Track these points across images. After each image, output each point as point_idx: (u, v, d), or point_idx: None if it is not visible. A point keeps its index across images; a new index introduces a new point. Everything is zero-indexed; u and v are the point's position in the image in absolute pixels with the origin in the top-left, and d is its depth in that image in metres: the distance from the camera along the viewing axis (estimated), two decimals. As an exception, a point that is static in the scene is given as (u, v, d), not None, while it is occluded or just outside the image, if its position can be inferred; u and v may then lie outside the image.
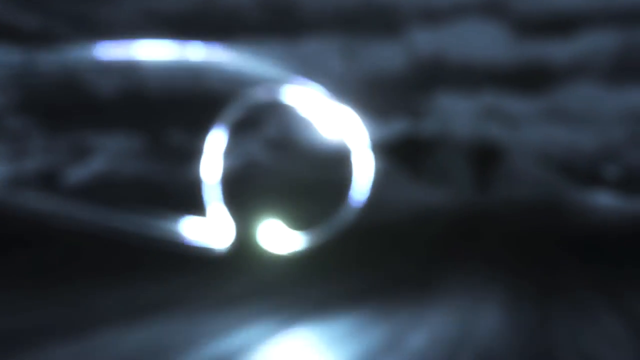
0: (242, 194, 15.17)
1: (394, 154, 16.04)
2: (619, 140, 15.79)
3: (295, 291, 9.20)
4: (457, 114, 15.98)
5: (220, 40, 16.14)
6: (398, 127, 15.96)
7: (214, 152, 15.90)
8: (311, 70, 15.80)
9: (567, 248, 15.01)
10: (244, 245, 14.26)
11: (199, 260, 12.90)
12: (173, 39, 16.09)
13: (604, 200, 15.83)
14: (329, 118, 15.33)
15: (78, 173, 16.62)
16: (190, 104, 16.01)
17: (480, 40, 15.76)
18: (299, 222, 14.61)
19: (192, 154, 16.26)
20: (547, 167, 16.37)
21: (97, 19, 17.24)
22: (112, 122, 16.45)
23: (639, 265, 11.36)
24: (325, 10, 16.14)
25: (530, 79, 15.99)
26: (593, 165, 16.15)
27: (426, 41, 15.80)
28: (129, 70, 16.28)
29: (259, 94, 15.78)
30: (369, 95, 15.61)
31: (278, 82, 15.87)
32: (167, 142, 16.46)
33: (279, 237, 14.41)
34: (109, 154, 16.45)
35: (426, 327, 6.83)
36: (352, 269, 11.54)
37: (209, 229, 15.08)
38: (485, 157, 16.08)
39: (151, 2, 17.01)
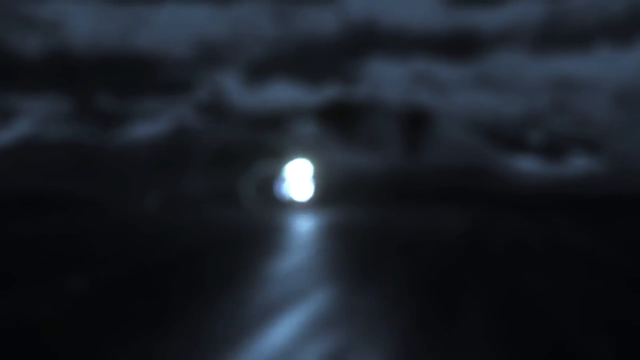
0: (173, 158, 15.05)
1: (326, 119, 16.17)
2: (543, 107, 16.26)
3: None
4: (388, 79, 16.18)
5: (151, 2, 15.87)
6: (330, 91, 16.09)
7: (145, 116, 15.70)
8: (243, 34, 15.73)
9: (489, 205, 15.62)
10: (175, 205, 14.23)
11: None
12: (101, -1, 15.73)
13: (528, 165, 16.33)
14: (261, 83, 15.31)
15: (2, 137, 16.18)
16: (119, 65, 15.74)
17: (412, 7, 15.96)
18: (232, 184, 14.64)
19: (121, 117, 16.01)
20: (474, 132, 16.76)
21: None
22: (38, 84, 16.05)
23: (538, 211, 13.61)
24: (257, -27, 16.10)
25: (459, 46, 16.29)
26: (518, 131, 16.61)
27: (358, 6, 15.91)
28: (55, 30, 15.86)
29: (190, 58, 15.63)
30: (301, 59, 15.66)
31: (209, 45, 15.74)
32: (96, 105, 16.17)
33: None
34: (34, 117, 16.05)
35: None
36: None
37: (139, 190, 14.94)
38: (415, 122, 16.36)
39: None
